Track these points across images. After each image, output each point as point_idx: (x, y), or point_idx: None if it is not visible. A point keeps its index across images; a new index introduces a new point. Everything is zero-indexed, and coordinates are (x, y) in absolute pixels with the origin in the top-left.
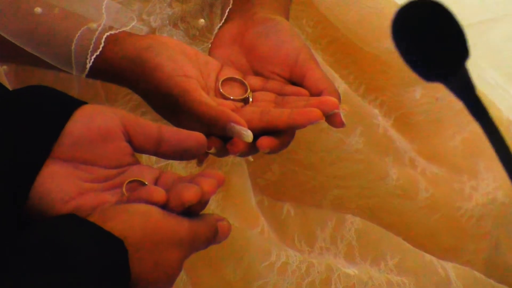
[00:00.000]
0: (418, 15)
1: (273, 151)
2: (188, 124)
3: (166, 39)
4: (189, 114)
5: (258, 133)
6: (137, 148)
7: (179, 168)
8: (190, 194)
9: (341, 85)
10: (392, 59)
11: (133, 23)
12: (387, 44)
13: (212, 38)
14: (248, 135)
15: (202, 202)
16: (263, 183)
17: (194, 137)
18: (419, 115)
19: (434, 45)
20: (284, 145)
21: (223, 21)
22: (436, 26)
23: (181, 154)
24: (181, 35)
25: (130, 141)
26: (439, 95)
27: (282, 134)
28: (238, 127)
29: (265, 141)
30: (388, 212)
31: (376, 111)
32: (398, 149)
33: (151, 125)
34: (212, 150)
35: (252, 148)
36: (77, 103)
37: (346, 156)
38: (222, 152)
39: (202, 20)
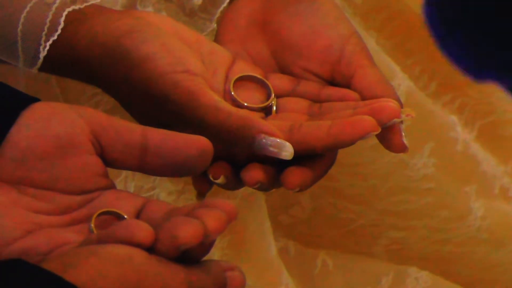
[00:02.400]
0: None
1: (305, 187)
2: None
3: (155, 18)
4: (194, 125)
5: None
6: (112, 163)
7: (169, 201)
8: (188, 233)
9: (403, 82)
10: None
11: None
12: None
13: (218, 13)
14: (288, 150)
15: (205, 244)
16: (289, 222)
17: (195, 142)
18: None
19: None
20: (319, 176)
21: None
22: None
23: (176, 167)
24: (173, 11)
25: (102, 154)
26: None
27: (318, 159)
28: (272, 140)
29: (294, 175)
30: (468, 265)
31: (454, 118)
32: (485, 174)
33: (132, 127)
34: (220, 180)
35: (277, 178)
36: (26, 100)
37: (410, 184)
38: (234, 182)
39: None
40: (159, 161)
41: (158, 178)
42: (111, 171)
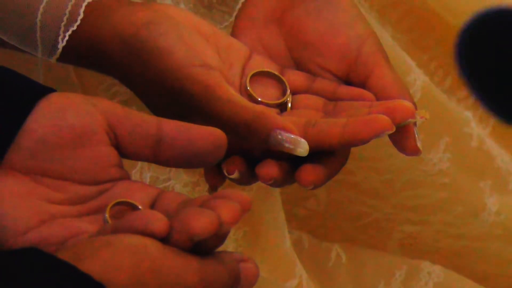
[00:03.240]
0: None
1: (319, 185)
2: None
3: (173, 11)
4: (209, 119)
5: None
6: (127, 154)
7: (184, 192)
8: (202, 224)
9: (419, 77)
10: None
11: None
12: None
13: (237, 10)
14: (303, 147)
15: (219, 235)
16: (303, 214)
17: (209, 134)
18: None
19: None
20: (332, 174)
21: None
22: None
23: (190, 158)
24: (192, 3)
25: (117, 144)
26: None
27: (332, 156)
28: (287, 136)
29: (308, 173)
30: (482, 260)
31: (469, 114)
32: (499, 169)
33: (148, 119)
34: (235, 175)
35: (292, 174)
36: (41, 91)
37: (424, 179)
38: (248, 177)
39: None
40: (173, 153)
41: (174, 169)
42: (127, 162)
